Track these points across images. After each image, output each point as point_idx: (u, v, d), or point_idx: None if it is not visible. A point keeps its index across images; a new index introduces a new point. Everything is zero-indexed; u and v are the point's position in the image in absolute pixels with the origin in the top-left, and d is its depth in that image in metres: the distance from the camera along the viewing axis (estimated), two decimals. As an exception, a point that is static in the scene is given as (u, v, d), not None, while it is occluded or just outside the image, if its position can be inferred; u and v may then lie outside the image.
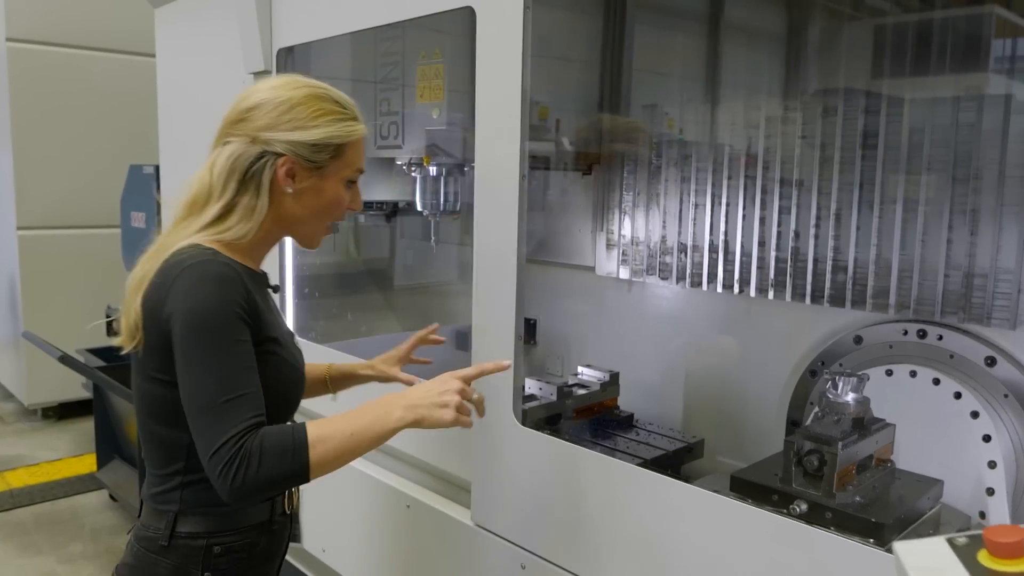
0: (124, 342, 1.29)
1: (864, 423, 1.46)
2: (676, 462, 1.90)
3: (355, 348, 2.57)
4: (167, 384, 1.25)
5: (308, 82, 1.35)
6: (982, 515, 1.55)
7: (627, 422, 2.07)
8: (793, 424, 1.97)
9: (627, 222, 2.26)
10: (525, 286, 1.36)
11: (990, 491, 1.56)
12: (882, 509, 1.34)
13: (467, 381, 1.30)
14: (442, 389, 1.26)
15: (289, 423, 1.22)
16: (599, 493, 1.28)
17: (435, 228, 2.19)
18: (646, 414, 2.19)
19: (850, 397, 1.44)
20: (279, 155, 1.28)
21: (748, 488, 1.45)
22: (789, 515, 1.37)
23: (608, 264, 2.33)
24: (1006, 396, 1.63)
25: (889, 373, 1.72)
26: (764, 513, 1.21)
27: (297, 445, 1.15)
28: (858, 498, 1.38)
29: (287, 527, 1.45)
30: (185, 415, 1.20)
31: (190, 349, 1.18)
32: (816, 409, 1.47)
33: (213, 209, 1.28)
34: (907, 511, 1.37)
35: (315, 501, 1.98)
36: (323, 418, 1.22)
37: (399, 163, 2.11)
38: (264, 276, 1.39)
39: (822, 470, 1.37)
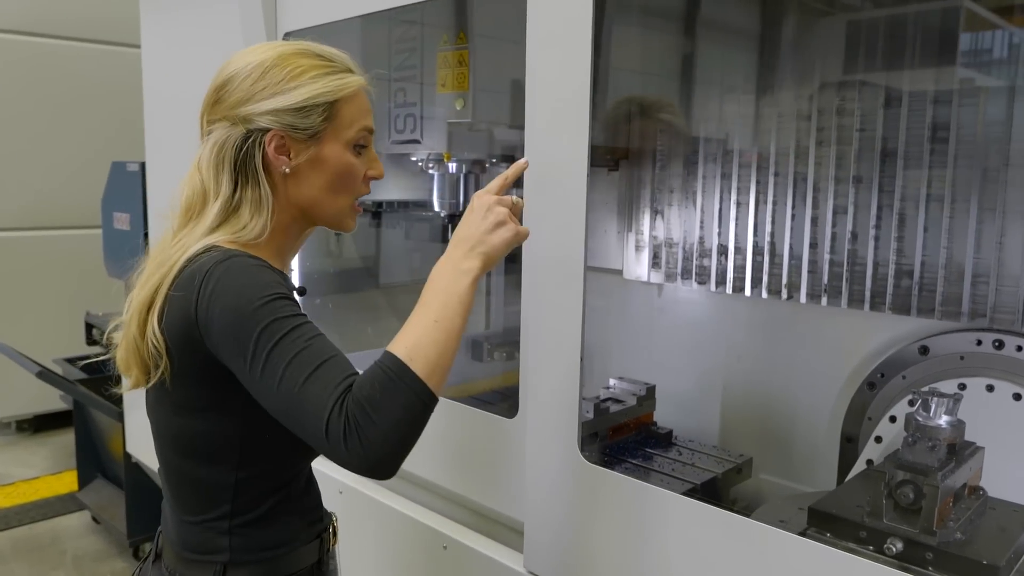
0: (139, 380, 1.11)
1: (956, 448, 1.31)
2: (726, 484, 1.75)
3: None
4: (210, 413, 1.08)
5: (285, 42, 1.17)
6: (1076, 545, 1.41)
7: (666, 440, 1.91)
8: (848, 440, 1.82)
9: (659, 222, 2.09)
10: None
11: (1084, 518, 1.41)
12: (989, 547, 1.19)
13: (499, 194, 1.14)
14: (484, 211, 1.10)
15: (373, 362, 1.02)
16: (678, 541, 1.11)
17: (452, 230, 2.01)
18: (681, 429, 2.03)
19: (944, 420, 1.29)
20: (265, 131, 1.10)
21: (830, 522, 1.30)
22: (884, 556, 1.21)
23: (637, 267, 2.16)
24: (1095, 412, 1.49)
25: (962, 387, 1.58)
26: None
27: (395, 372, 0.96)
28: (959, 535, 1.23)
29: (330, 567, 1.30)
30: (230, 449, 1.07)
31: (248, 348, 0.98)
32: (905, 434, 1.31)
33: (214, 209, 1.10)
34: (1016, 548, 1.22)
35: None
36: (398, 334, 1.02)
37: (414, 159, 1.93)
38: (289, 279, 1.21)
39: (919, 503, 1.22)
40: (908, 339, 1.72)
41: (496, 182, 1.17)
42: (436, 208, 1.97)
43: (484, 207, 1.11)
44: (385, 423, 0.93)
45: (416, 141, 1.82)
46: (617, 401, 1.93)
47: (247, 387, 1.01)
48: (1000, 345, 1.58)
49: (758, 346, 2.01)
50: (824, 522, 1.30)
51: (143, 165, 2.93)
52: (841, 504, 1.32)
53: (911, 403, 1.61)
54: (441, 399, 1.60)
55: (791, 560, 1.01)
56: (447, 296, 1.03)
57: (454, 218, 1.98)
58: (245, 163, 1.10)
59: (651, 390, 1.95)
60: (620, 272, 2.22)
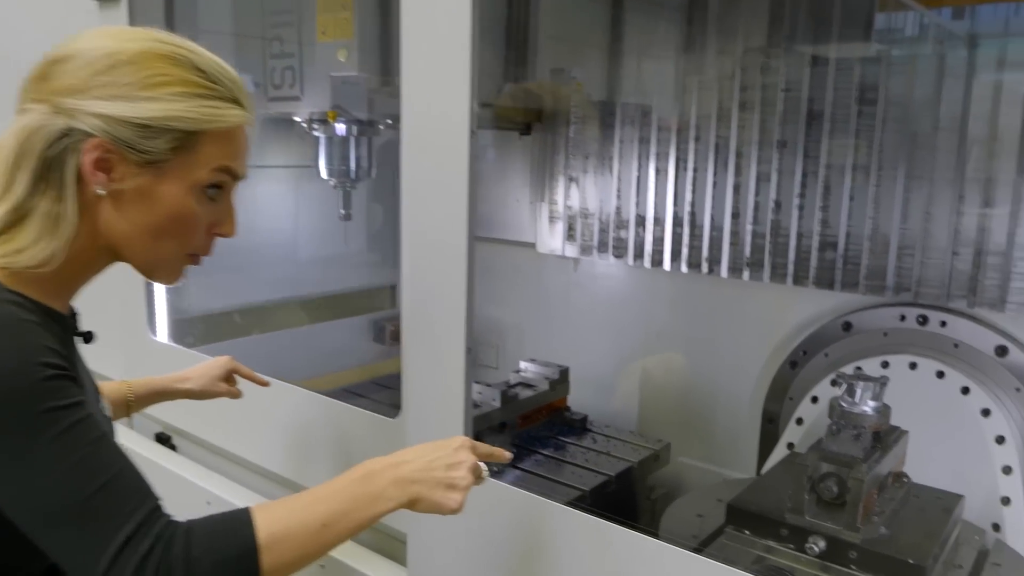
0: None
1: (881, 435, 1.21)
2: (643, 473, 1.63)
3: (243, 350, 2.17)
4: None
5: (159, 35, 0.89)
6: (996, 527, 1.35)
7: (581, 426, 1.78)
8: (769, 421, 1.73)
9: (574, 191, 1.94)
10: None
11: (1005, 500, 1.35)
12: (914, 543, 1.10)
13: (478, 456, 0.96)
14: (452, 460, 0.92)
15: (228, 511, 0.84)
16: (571, 558, 0.97)
17: (345, 198, 1.80)
18: (597, 413, 1.91)
19: (869, 406, 1.19)
20: (89, 135, 0.85)
21: (749, 520, 1.19)
22: (806, 555, 1.11)
23: (551, 240, 2.02)
24: (1018, 390, 1.43)
25: (885, 365, 1.49)
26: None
27: (243, 550, 0.79)
28: (883, 529, 1.13)
29: None
30: None
31: (7, 435, 0.76)
32: (829, 421, 1.21)
33: None
34: (941, 543, 1.14)
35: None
36: (278, 501, 0.85)
37: (297, 119, 1.71)
38: (72, 320, 0.96)
39: (843, 497, 1.12)
40: (831, 315, 1.63)
41: (484, 449, 0.98)
42: (323, 175, 1.75)
43: (455, 457, 0.93)
44: None
45: (295, 98, 1.60)
46: (528, 386, 1.78)
47: None
48: (924, 321, 1.51)
49: (678, 323, 1.89)
50: (742, 520, 1.19)
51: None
52: (761, 499, 1.21)
53: (834, 383, 1.52)
54: (319, 397, 1.42)
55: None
56: (351, 512, 0.86)
57: (344, 185, 1.78)
58: (52, 166, 0.84)
59: (564, 373, 1.81)
60: (533, 245, 2.07)
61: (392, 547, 1.16)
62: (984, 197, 1.39)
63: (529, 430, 1.71)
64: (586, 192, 1.92)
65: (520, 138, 2.01)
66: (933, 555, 1.09)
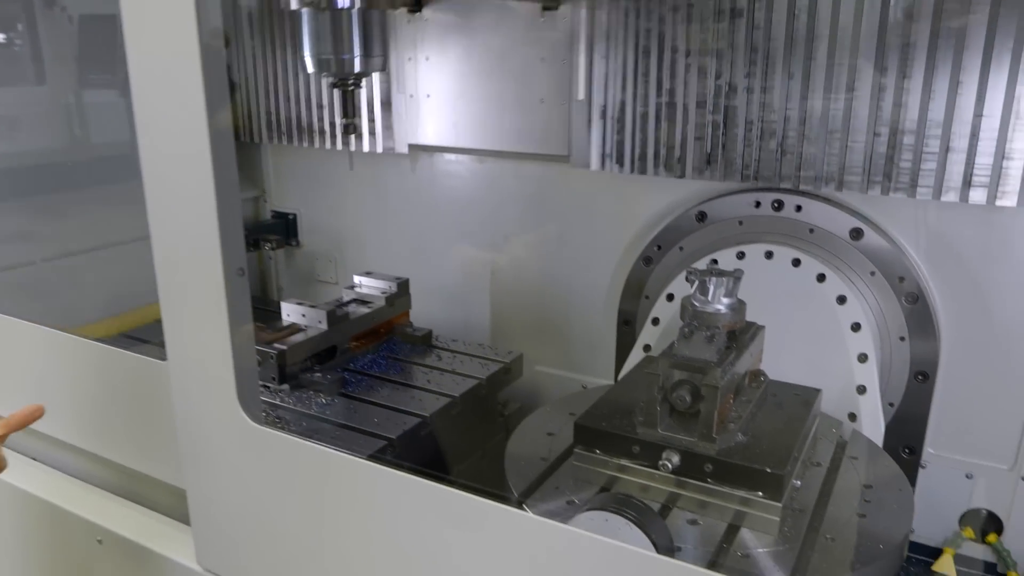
0: None
1: (737, 334, 1.10)
2: (493, 389, 1.48)
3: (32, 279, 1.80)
4: None
5: None
6: (852, 417, 1.31)
7: (425, 342, 1.59)
8: (626, 323, 1.62)
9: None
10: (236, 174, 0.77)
11: (861, 389, 1.31)
12: (772, 450, 1.01)
13: None
14: None
15: None
16: (370, 515, 0.79)
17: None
18: (446, 326, 1.74)
19: (723, 304, 1.07)
20: None
21: (600, 439, 1.06)
22: (660, 472, 1.00)
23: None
24: (873, 274, 1.37)
25: (741, 256, 1.39)
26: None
27: None
28: (741, 436, 1.03)
29: None
30: None
31: None
32: (681, 323, 1.08)
33: None
34: (799, 444, 1.05)
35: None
36: None
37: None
38: None
39: (696, 406, 1.00)
40: (685, 204, 1.50)
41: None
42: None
43: None
44: None
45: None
46: (363, 303, 1.57)
47: None
48: (779, 206, 1.41)
49: (527, 222, 1.72)
50: (592, 439, 1.07)
51: None
52: (612, 414, 1.09)
53: (688, 280, 1.41)
54: (84, 342, 1.12)
55: (503, 533, 0.73)
56: None
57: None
58: None
59: (404, 285, 1.61)
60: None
61: (183, 509, 0.95)
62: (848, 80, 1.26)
63: (365, 352, 1.51)
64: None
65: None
66: (792, 459, 1.01)
